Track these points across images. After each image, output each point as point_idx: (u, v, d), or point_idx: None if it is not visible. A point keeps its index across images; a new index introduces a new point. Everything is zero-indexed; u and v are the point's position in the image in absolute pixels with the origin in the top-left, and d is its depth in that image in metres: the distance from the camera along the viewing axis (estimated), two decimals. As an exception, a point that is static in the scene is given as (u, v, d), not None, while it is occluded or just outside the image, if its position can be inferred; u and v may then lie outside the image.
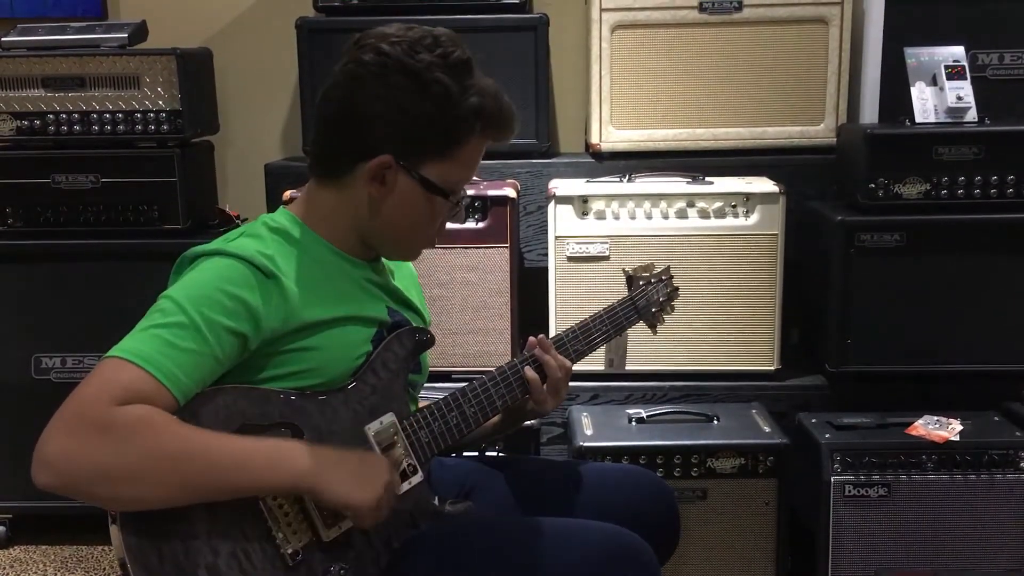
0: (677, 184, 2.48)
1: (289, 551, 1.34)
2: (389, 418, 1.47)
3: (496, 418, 1.67)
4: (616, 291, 1.86)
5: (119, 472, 1.22)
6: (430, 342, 1.55)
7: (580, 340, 1.70)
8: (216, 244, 1.41)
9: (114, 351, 1.27)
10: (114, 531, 1.26)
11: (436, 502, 1.51)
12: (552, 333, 2.44)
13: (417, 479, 1.48)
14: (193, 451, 1.25)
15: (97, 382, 1.25)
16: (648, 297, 1.81)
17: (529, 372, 1.61)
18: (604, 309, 1.76)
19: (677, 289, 1.87)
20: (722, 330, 2.46)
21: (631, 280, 1.83)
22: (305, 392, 1.40)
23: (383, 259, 1.59)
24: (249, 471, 1.29)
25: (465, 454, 1.90)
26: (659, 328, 1.89)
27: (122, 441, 1.21)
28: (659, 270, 1.86)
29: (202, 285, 1.34)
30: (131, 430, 1.22)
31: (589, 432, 2.27)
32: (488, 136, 1.46)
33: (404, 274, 1.68)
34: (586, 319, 1.73)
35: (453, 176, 1.46)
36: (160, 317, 1.30)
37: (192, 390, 1.29)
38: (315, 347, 1.41)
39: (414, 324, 1.58)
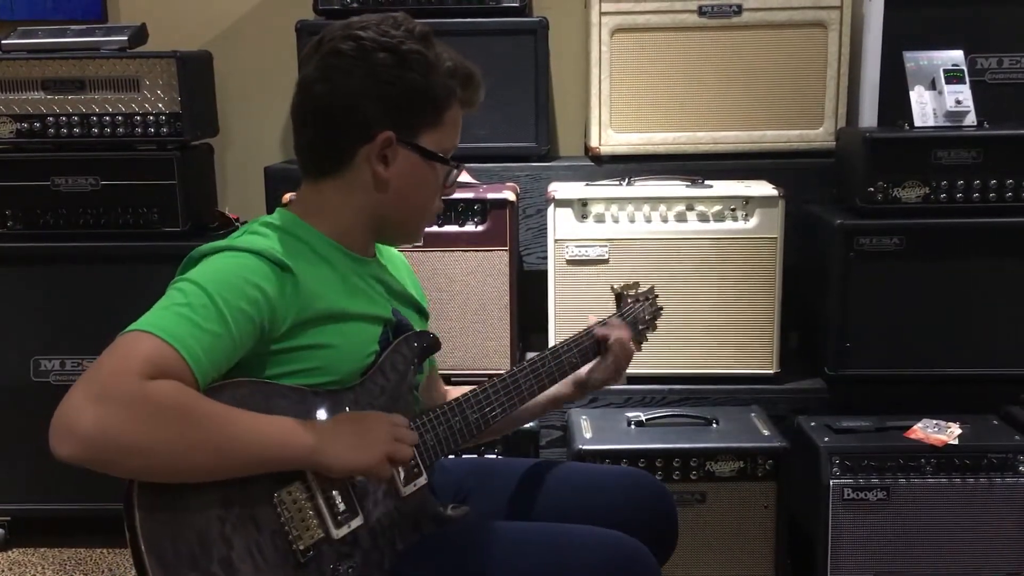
0: (676, 187, 2.48)
1: (301, 547, 1.34)
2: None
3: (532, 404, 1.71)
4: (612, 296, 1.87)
5: (152, 446, 1.21)
6: (436, 346, 1.57)
7: (574, 353, 1.72)
8: (224, 242, 1.42)
9: (138, 325, 1.27)
10: (130, 529, 1.25)
11: (437, 506, 1.52)
12: (551, 336, 2.45)
13: (421, 481, 1.48)
14: (222, 426, 1.26)
15: (123, 353, 1.24)
16: (636, 315, 1.84)
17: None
18: (595, 324, 1.77)
19: (661, 308, 1.90)
20: (721, 333, 2.46)
21: (619, 298, 1.87)
22: (317, 390, 1.41)
23: (379, 253, 1.61)
24: (266, 448, 1.30)
25: (464, 456, 1.90)
26: (651, 336, 1.90)
27: (156, 416, 1.21)
28: (644, 289, 1.88)
29: (222, 271, 1.35)
30: (165, 406, 1.22)
31: (588, 435, 2.27)
32: (464, 99, 1.52)
33: (396, 265, 1.69)
34: (579, 332, 1.74)
35: (445, 143, 1.51)
36: (181, 297, 1.31)
37: (210, 371, 1.29)
38: (326, 344, 1.42)
39: (415, 323, 1.60)
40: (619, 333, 1.73)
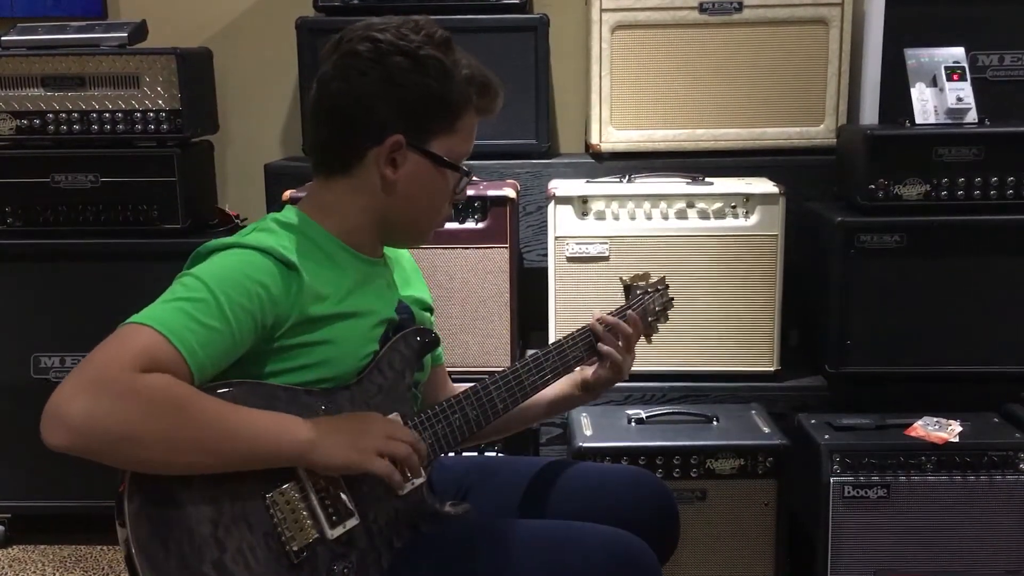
0: (677, 185, 2.48)
1: (294, 548, 1.34)
2: (394, 418, 1.48)
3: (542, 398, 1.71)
4: (616, 292, 1.86)
5: (142, 438, 1.22)
6: (435, 343, 1.57)
7: (579, 347, 1.70)
8: (232, 239, 1.42)
9: (137, 318, 1.27)
10: (121, 530, 1.26)
11: (436, 504, 1.51)
12: (552, 333, 2.45)
13: (419, 480, 1.48)
14: (214, 421, 1.26)
15: (118, 345, 1.24)
16: (645, 307, 1.81)
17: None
18: (595, 321, 1.76)
19: (672, 299, 1.88)
20: (721, 331, 2.46)
21: (628, 289, 1.84)
22: (312, 390, 1.41)
23: (385, 253, 1.60)
24: (258, 443, 1.30)
25: (465, 454, 1.90)
26: (655, 335, 1.89)
27: (147, 409, 1.21)
28: (655, 279, 1.86)
29: (226, 268, 1.35)
30: (156, 399, 1.22)
31: (588, 432, 2.27)
32: (480, 107, 1.51)
33: (403, 265, 1.69)
34: (584, 326, 1.73)
35: (457, 149, 1.51)
36: (183, 291, 1.31)
37: (206, 367, 1.29)
38: (326, 340, 1.42)
39: (419, 321, 1.60)
40: (609, 345, 1.70)
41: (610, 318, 1.71)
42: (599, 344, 1.69)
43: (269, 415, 1.33)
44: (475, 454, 2.12)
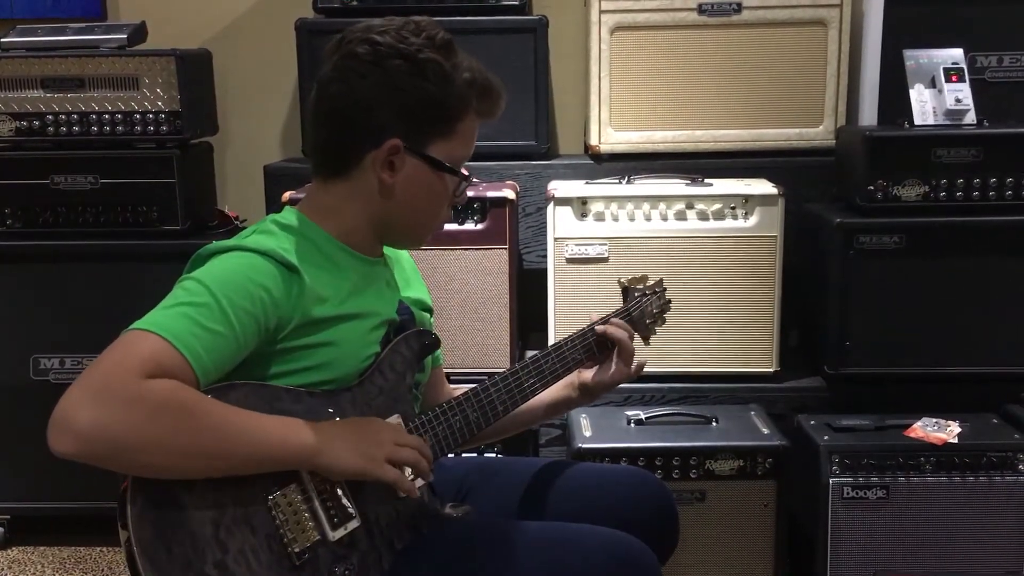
0: (676, 186, 2.48)
1: (296, 550, 1.34)
2: (395, 420, 1.48)
3: (537, 403, 1.71)
4: (615, 293, 1.86)
5: (147, 445, 1.22)
6: (436, 344, 1.57)
7: (578, 349, 1.71)
8: (232, 241, 1.43)
9: (140, 324, 1.27)
10: (123, 532, 1.26)
11: (437, 505, 1.51)
12: (551, 334, 2.45)
13: (420, 481, 1.48)
14: (220, 425, 1.26)
15: (124, 352, 1.25)
16: (643, 309, 1.82)
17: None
18: (600, 319, 1.76)
19: (670, 301, 1.88)
20: (721, 332, 2.46)
21: (626, 291, 1.84)
22: (314, 391, 1.41)
23: (385, 253, 1.61)
24: (265, 446, 1.30)
25: (465, 455, 1.90)
26: (653, 337, 1.89)
27: (153, 416, 1.21)
28: (652, 282, 1.86)
29: (227, 271, 1.35)
30: (162, 405, 1.22)
31: (588, 433, 2.27)
32: (481, 111, 1.51)
33: (403, 265, 1.69)
34: (584, 328, 1.73)
35: (456, 153, 1.50)
36: (185, 296, 1.31)
37: (211, 371, 1.29)
38: (328, 342, 1.42)
39: (419, 322, 1.60)
40: (621, 333, 1.71)
41: (616, 320, 1.72)
42: (613, 330, 1.69)
43: (275, 419, 1.33)
44: (475, 455, 2.12)
